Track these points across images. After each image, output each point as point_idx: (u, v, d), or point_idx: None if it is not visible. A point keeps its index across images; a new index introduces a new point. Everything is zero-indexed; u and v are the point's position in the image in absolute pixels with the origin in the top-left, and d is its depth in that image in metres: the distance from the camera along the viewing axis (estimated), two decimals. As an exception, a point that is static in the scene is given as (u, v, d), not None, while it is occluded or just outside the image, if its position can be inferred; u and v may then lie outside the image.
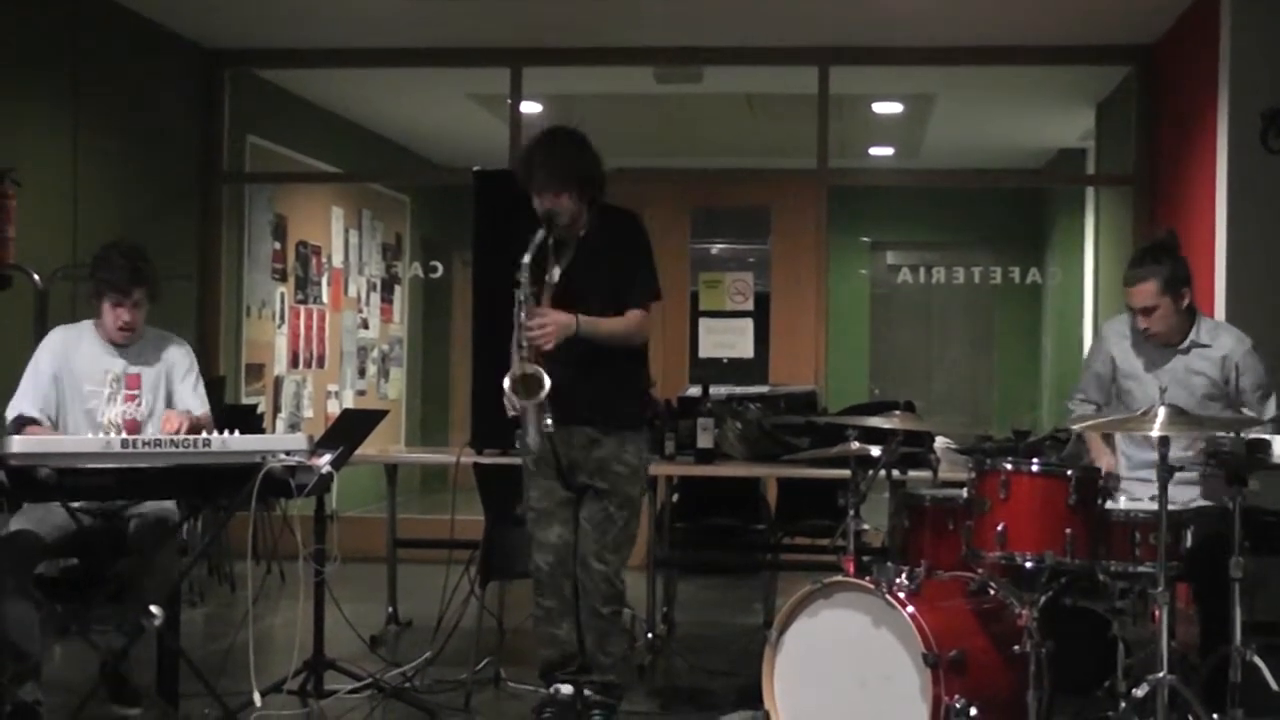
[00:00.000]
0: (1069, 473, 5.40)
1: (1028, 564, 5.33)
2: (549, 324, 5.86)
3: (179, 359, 6.40)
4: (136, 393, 6.26)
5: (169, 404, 6.32)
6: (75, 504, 5.84)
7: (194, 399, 6.36)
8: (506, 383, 5.83)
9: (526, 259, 5.85)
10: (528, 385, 5.79)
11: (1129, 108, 11.12)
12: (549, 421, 5.83)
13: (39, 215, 8.48)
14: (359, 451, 6.37)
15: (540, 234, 5.90)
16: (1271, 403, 6.21)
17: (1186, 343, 6.22)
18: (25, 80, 8.77)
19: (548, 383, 5.77)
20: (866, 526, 6.09)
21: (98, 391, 6.20)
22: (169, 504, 6.14)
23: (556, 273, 6.03)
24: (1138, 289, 6.18)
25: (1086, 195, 13.26)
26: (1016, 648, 5.24)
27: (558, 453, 6.03)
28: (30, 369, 6.24)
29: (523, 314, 5.86)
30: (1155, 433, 5.16)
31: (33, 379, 6.21)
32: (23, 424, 6.08)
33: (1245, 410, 6.13)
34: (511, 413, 5.93)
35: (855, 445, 6.13)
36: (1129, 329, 6.39)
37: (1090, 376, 6.54)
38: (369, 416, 6.66)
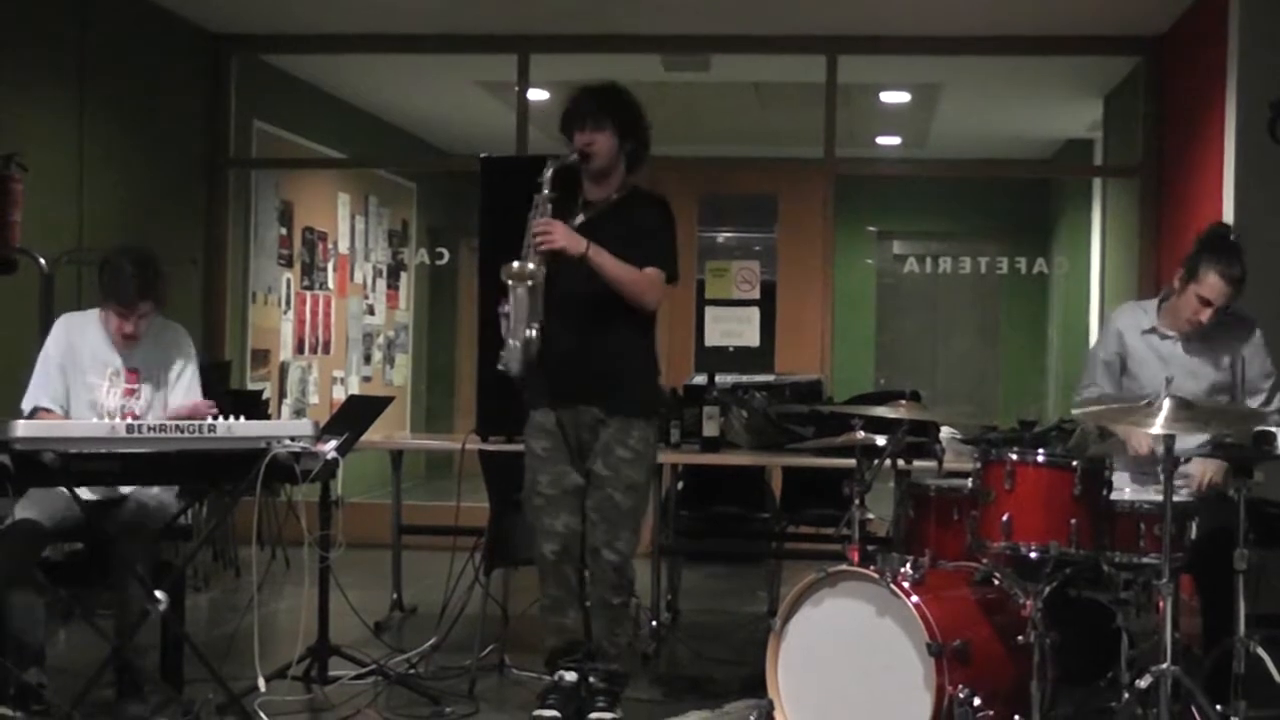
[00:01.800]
0: (1074, 463, 5.40)
1: (1032, 554, 5.34)
2: (556, 230, 5.87)
3: (176, 355, 6.37)
4: (135, 387, 6.25)
5: (165, 400, 6.33)
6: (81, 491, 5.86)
7: (189, 396, 6.33)
8: (503, 274, 5.85)
9: (550, 170, 5.93)
10: (520, 274, 5.82)
11: (1137, 99, 11.11)
12: (534, 331, 5.82)
13: (45, 200, 8.48)
14: (364, 438, 6.38)
15: (573, 156, 5.99)
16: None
17: (1197, 331, 6.22)
18: (32, 64, 8.77)
19: (540, 273, 5.80)
20: (871, 516, 6.09)
21: (98, 384, 6.20)
22: (165, 497, 6.16)
23: (580, 219, 6.04)
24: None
25: (1094, 186, 13.24)
26: (1020, 638, 5.24)
27: (567, 435, 6.04)
28: (41, 361, 6.25)
29: (536, 214, 5.90)
30: (1158, 430, 5.16)
31: (43, 371, 6.22)
32: (37, 415, 6.10)
33: (1250, 400, 6.13)
34: (503, 316, 5.91)
35: (860, 434, 6.13)
36: (1144, 317, 6.38)
37: (1098, 365, 6.49)
38: (374, 403, 6.67)
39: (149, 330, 6.31)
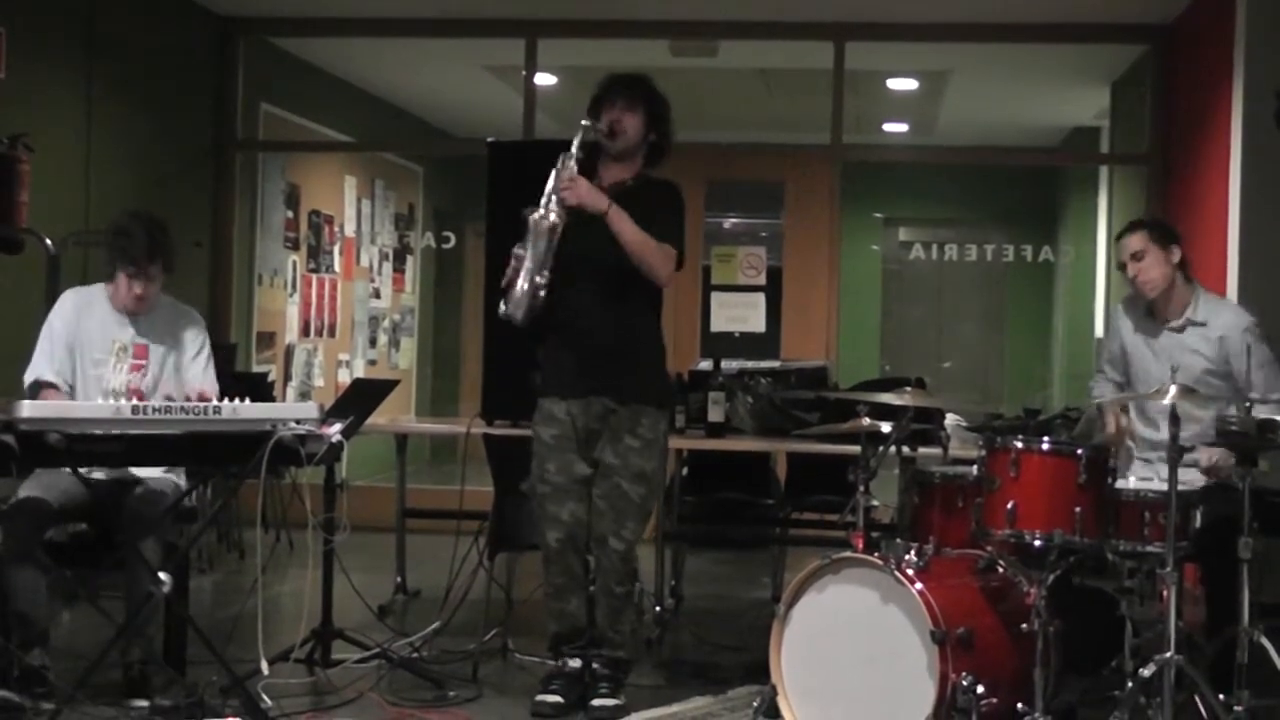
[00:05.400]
0: (1079, 451, 5.39)
1: (1036, 542, 5.33)
2: (580, 185, 5.90)
3: (191, 337, 6.39)
4: (143, 363, 6.26)
5: (179, 376, 6.33)
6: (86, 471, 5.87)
7: (204, 380, 6.34)
8: (526, 214, 5.88)
9: (581, 135, 5.95)
10: (544, 229, 5.84)
11: (1144, 87, 11.10)
12: (542, 278, 5.84)
13: (52, 180, 8.47)
14: (369, 421, 6.37)
15: (601, 127, 6.03)
16: None
17: (1182, 320, 6.27)
18: (40, 46, 8.76)
19: (560, 228, 5.82)
20: (876, 503, 6.08)
21: (104, 360, 6.21)
22: (167, 482, 6.17)
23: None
24: (1126, 239, 6.36)
25: (1100, 174, 13.24)
26: (1024, 626, 5.24)
27: (576, 424, 6.04)
28: (45, 333, 6.24)
29: (560, 170, 5.91)
30: (1167, 400, 5.17)
31: (48, 344, 6.22)
32: (39, 389, 6.10)
33: (1251, 394, 6.13)
34: (515, 258, 5.93)
35: (865, 421, 6.12)
36: (1134, 308, 6.44)
37: (1108, 355, 6.58)
38: (380, 386, 6.66)
39: (161, 308, 6.34)
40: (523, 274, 5.86)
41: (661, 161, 6.28)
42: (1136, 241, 6.29)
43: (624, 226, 5.92)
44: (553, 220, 5.83)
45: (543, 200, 5.90)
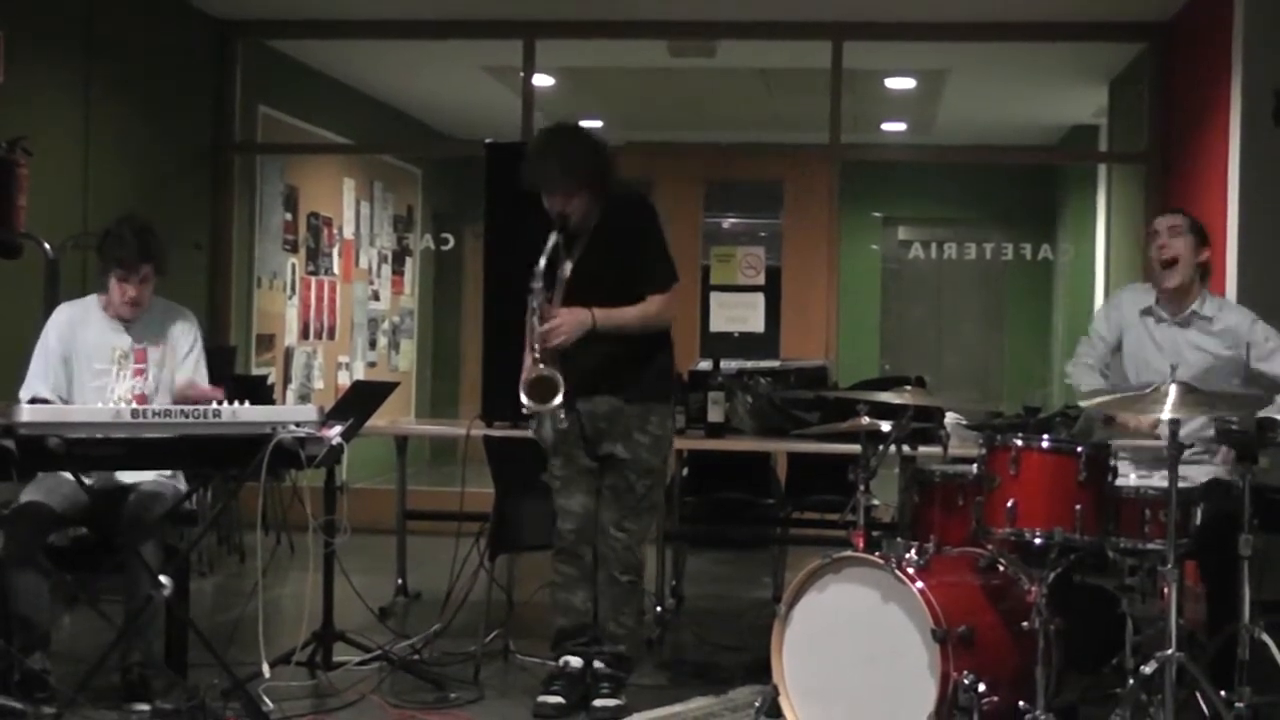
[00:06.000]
0: (1079, 449, 5.39)
1: (1037, 540, 5.32)
2: (562, 324, 5.89)
3: (182, 335, 6.38)
4: (143, 367, 6.26)
5: (173, 379, 6.33)
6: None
7: (193, 374, 6.35)
8: (521, 387, 5.87)
9: (542, 263, 5.87)
10: (541, 390, 5.83)
11: (1142, 85, 11.10)
12: (563, 418, 5.92)
13: (50, 184, 8.48)
14: (369, 423, 6.37)
15: (554, 237, 5.90)
16: None
17: (1186, 313, 6.27)
18: (39, 49, 8.75)
19: (561, 387, 5.82)
20: (876, 502, 6.08)
21: (107, 369, 6.20)
22: (166, 484, 6.17)
23: (568, 267, 6.03)
24: (1167, 216, 6.42)
25: (1099, 172, 13.23)
26: (1025, 624, 5.24)
27: (582, 422, 6.06)
28: (39, 350, 6.25)
29: (536, 317, 5.89)
30: (1165, 416, 5.16)
31: (42, 360, 6.22)
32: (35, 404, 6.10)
33: (1263, 364, 6.16)
34: (525, 410, 5.99)
35: (865, 420, 6.12)
36: (1144, 296, 6.42)
37: (1095, 340, 6.57)
38: (380, 388, 6.66)
39: (156, 310, 6.33)
40: (546, 421, 6.04)
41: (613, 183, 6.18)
42: (1177, 220, 6.32)
43: (615, 322, 6.00)
44: (545, 376, 5.85)
45: (527, 348, 5.93)
